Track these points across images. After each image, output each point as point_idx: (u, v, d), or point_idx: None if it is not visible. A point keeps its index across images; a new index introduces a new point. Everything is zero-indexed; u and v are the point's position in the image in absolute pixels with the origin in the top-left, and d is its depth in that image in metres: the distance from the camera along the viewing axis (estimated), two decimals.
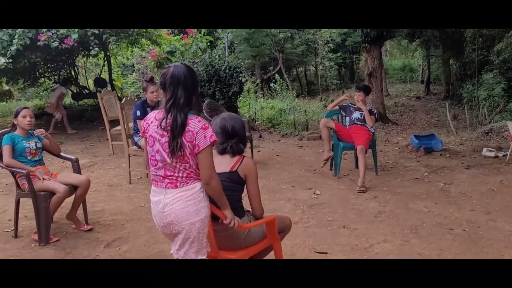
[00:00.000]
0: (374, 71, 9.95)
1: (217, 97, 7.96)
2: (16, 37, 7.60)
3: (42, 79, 12.24)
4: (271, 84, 12.42)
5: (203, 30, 10.09)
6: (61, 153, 4.12)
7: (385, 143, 7.64)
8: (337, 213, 4.23)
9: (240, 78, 8.27)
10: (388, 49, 22.58)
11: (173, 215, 2.22)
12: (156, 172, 2.26)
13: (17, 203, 3.76)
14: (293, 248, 3.45)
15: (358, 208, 4.35)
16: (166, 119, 2.17)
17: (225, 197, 2.31)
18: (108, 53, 11.43)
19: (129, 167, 5.33)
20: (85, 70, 13.74)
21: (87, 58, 12.31)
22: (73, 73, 12.12)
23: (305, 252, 3.41)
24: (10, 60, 8.19)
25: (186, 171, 2.21)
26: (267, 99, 12.10)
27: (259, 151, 7.03)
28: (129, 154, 5.30)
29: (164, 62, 9.45)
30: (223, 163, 2.47)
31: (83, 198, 3.90)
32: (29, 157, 3.76)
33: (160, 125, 2.19)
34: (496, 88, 9.93)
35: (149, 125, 2.28)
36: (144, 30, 9.16)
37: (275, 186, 5.12)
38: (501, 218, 4.00)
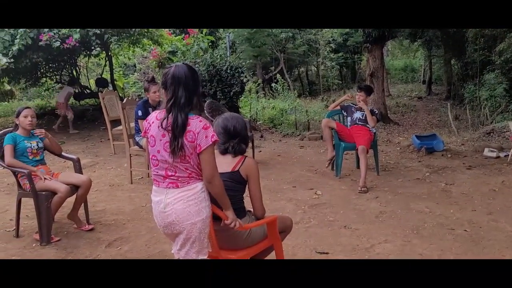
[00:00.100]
0: (375, 71, 9.94)
1: (218, 97, 7.96)
2: (18, 37, 7.62)
3: (44, 79, 12.28)
4: (273, 84, 12.43)
5: (204, 30, 10.11)
6: (63, 153, 4.12)
7: (386, 143, 7.63)
8: (338, 213, 4.23)
9: (242, 78, 8.27)
10: (390, 49, 22.55)
11: (174, 215, 2.22)
12: (158, 172, 2.27)
13: (19, 202, 3.77)
14: (294, 248, 3.45)
15: (360, 208, 4.35)
16: (167, 119, 2.17)
17: (227, 197, 2.31)
18: (109, 53, 11.45)
19: (131, 167, 5.34)
20: (86, 70, 13.76)
21: (88, 58, 12.33)
22: (74, 73, 12.14)
23: (306, 252, 3.40)
24: (12, 60, 8.21)
25: (187, 171, 2.21)
26: (268, 99, 12.09)
27: (260, 151, 7.03)
28: (130, 154, 5.30)
29: (165, 62, 9.46)
30: (225, 163, 2.47)
31: (84, 198, 3.90)
32: (30, 157, 3.76)
33: (161, 125, 2.19)
34: (497, 88, 9.91)
35: (150, 125, 2.28)
36: (146, 30, 9.17)
37: (276, 186, 5.12)
38: (502, 219, 4.00)
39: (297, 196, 4.77)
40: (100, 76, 13.00)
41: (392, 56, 23.54)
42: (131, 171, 5.35)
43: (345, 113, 5.64)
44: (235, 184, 2.47)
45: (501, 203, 4.43)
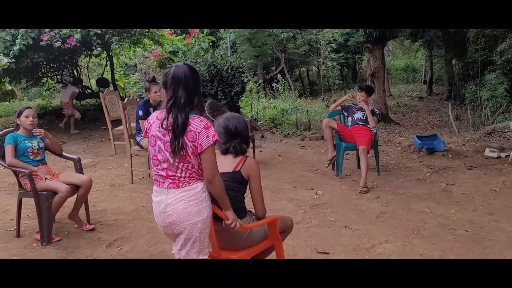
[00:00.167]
0: (376, 71, 9.94)
1: (219, 97, 7.97)
2: (19, 37, 7.63)
3: (45, 79, 12.27)
4: (273, 84, 12.42)
5: (205, 30, 10.10)
6: (64, 153, 4.13)
7: (387, 144, 7.63)
8: (339, 213, 4.23)
9: (242, 78, 8.27)
10: (391, 49, 22.52)
11: (175, 215, 2.22)
12: (158, 172, 2.27)
13: (20, 202, 3.78)
14: (295, 248, 3.45)
15: (360, 209, 4.35)
16: (167, 119, 2.17)
17: (227, 198, 2.31)
18: (110, 53, 11.45)
19: (131, 167, 5.34)
20: (87, 70, 13.76)
21: (89, 58, 12.33)
22: (75, 73, 12.15)
23: (306, 252, 3.40)
24: (13, 60, 8.21)
25: (188, 171, 2.21)
26: (269, 99, 12.09)
27: (261, 151, 7.03)
28: (131, 154, 5.30)
29: (166, 62, 9.45)
30: (226, 163, 2.47)
31: (85, 197, 3.90)
32: (31, 157, 3.77)
33: (162, 125, 2.19)
34: (499, 88, 9.89)
35: (151, 125, 2.28)
36: (147, 30, 9.17)
37: (277, 186, 5.12)
38: (503, 219, 3.99)
39: (297, 196, 4.77)
40: (101, 76, 13.00)
41: (393, 56, 23.52)
42: (131, 171, 5.35)
43: (346, 113, 5.64)
44: (236, 184, 2.47)
45: (502, 203, 4.43)
